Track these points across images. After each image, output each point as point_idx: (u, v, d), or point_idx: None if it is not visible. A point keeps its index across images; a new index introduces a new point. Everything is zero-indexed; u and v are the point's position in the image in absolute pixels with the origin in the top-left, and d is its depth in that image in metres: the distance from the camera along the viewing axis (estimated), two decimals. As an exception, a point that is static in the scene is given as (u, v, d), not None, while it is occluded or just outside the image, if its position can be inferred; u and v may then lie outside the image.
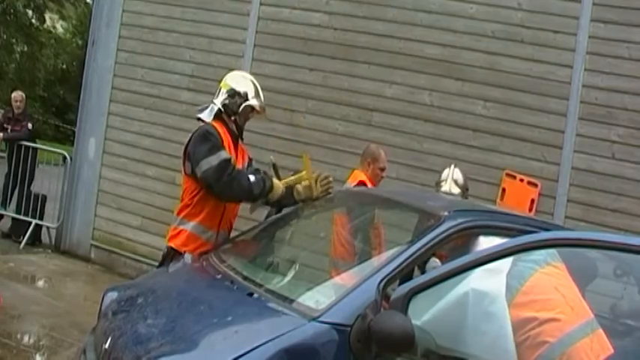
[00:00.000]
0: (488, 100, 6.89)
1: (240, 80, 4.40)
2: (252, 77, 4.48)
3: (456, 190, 5.67)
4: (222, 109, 4.28)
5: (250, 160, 4.50)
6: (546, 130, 6.67)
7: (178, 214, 4.25)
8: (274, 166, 4.35)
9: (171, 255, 4.17)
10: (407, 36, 7.20)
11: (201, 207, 4.15)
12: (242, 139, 4.46)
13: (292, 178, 4.30)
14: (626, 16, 6.44)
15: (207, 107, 4.35)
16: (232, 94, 4.29)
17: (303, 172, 4.28)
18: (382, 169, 5.73)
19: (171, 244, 4.22)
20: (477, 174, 6.79)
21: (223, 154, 4.03)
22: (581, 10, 6.57)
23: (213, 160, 3.99)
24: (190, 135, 4.23)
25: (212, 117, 4.25)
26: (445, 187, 5.81)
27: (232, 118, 4.30)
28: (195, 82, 8.01)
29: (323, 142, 7.30)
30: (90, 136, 8.76)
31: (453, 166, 5.73)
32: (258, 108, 4.35)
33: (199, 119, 4.33)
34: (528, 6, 6.79)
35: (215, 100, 4.34)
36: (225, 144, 4.16)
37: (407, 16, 7.22)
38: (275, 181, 4.21)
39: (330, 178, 4.31)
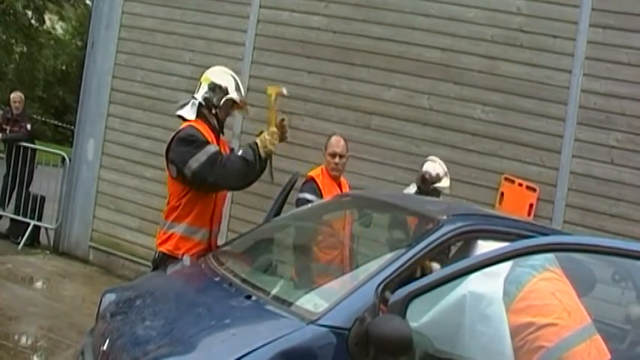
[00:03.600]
0: (486, 104, 6.90)
1: (221, 74, 4.34)
2: (232, 72, 4.40)
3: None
4: (204, 103, 4.22)
5: (232, 149, 4.46)
6: (545, 135, 6.68)
7: (167, 217, 4.17)
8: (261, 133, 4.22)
9: (164, 260, 4.09)
10: (406, 39, 7.21)
11: (190, 208, 4.10)
12: (223, 134, 4.38)
13: (272, 129, 4.12)
14: (624, 21, 6.45)
15: (187, 103, 4.28)
16: (213, 87, 4.24)
17: (270, 115, 4.14)
18: (332, 155, 5.29)
19: (163, 249, 4.14)
20: (475, 178, 6.80)
21: (211, 148, 3.98)
22: (580, 15, 6.59)
23: (201, 157, 3.94)
24: (172, 136, 4.14)
25: (195, 114, 4.19)
26: (446, 182, 5.87)
27: (213, 111, 4.24)
28: (194, 85, 7.78)
29: (321, 144, 7.24)
30: (89, 138, 8.76)
31: (437, 160, 5.95)
32: (238, 101, 4.30)
33: (180, 117, 4.25)
34: (527, 11, 6.81)
35: (196, 95, 4.28)
36: (210, 140, 4.09)
37: (406, 19, 7.23)
38: (257, 139, 4.07)
39: (285, 122, 4.14)
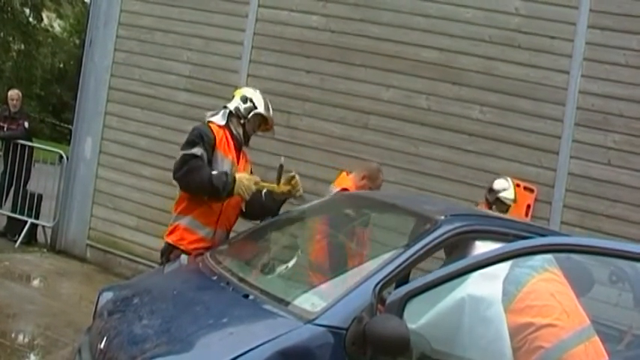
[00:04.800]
0: (484, 104, 6.89)
1: (253, 92, 4.62)
2: (264, 95, 4.65)
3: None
4: (234, 112, 4.46)
5: (251, 169, 4.63)
6: (543, 136, 6.68)
7: (174, 210, 4.40)
8: (280, 167, 4.43)
9: (169, 251, 4.28)
10: (404, 39, 7.20)
11: (196, 203, 4.26)
12: (247, 145, 4.61)
13: (265, 184, 4.42)
14: (622, 23, 6.45)
15: (218, 112, 4.51)
16: (245, 99, 4.50)
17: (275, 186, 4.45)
18: (370, 190, 5.31)
19: (169, 240, 4.33)
20: (473, 179, 6.80)
21: (194, 150, 4.16)
22: (578, 16, 6.59)
23: (183, 151, 4.20)
24: None
25: (225, 120, 4.43)
26: (510, 194, 6.03)
27: (242, 121, 4.46)
28: (192, 83, 8.01)
29: (319, 144, 7.31)
30: (87, 136, 8.74)
31: (509, 179, 6.13)
32: (267, 117, 4.54)
33: (210, 123, 4.43)
34: (525, 11, 6.80)
35: (228, 105, 4.52)
36: (221, 146, 4.30)
37: (403, 19, 7.22)
38: (238, 175, 4.23)
39: (295, 179, 4.46)
